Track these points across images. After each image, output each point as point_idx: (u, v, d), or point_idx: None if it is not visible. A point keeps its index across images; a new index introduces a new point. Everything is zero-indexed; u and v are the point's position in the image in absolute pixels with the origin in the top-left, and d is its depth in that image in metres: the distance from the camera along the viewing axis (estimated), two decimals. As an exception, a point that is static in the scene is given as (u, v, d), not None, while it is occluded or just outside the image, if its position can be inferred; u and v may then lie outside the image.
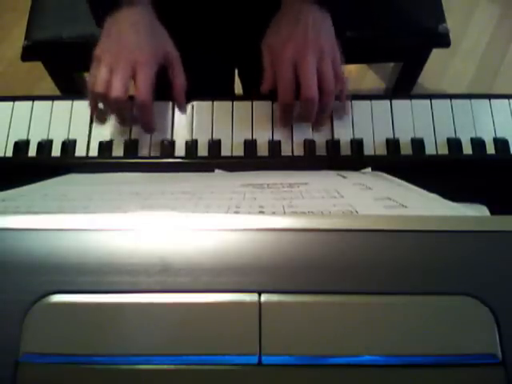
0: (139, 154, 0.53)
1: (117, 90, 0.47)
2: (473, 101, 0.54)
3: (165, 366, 0.20)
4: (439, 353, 0.20)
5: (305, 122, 0.53)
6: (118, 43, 0.49)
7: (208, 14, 0.62)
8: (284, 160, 0.52)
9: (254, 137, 0.53)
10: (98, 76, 0.48)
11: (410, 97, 0.55)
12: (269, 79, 0.52)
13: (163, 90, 0.52)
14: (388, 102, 0.54)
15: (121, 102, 0.48)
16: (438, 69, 1.29)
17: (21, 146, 0.53)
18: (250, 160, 0.52)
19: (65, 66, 0.86)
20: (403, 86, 0.98)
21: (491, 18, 1.40)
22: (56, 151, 0.53)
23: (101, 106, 0.52)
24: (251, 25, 0.54)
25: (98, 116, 0.53)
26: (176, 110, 0.55)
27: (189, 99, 0.55)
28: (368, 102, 0.54)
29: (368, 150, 0.52)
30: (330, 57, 0.50)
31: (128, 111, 0.51)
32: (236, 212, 0.28)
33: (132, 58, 0.48)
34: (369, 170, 0.47)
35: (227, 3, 0.60)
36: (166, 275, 0.21)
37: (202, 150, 0.53)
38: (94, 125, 0.54)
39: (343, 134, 0.53)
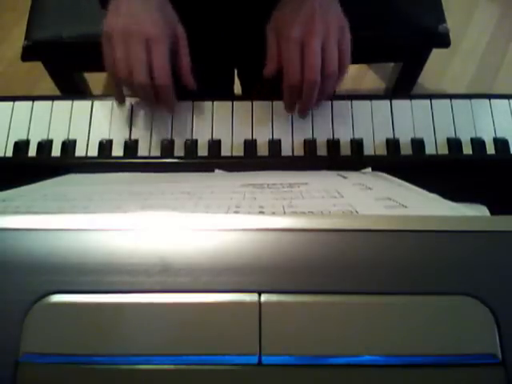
0: (139, 154, 0.53)
1: (140, 75, 0.48)
2: (473, 101, 0.54)
3: (165, 366, 0.20)
4: (439, 353, 0.20)
5: (305, 106, 0.52)
6: (129, 19, 0.49)
7: (208, 13, 0.62)
8: (284, 160, 0.52)
9: (254, 137, 0.53)
10: (115, 58, 0.48)
11: (410, 97, 0.55)
12: (273, 60, 0.51)
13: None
14: (388, 102, 0.54)
15: (145, 85, 0.48)
16: (437, 69, 1.29)
17: (21, 146, 0.53)
18: (249, 160, 0.52)
19: (65, 66, 0.86)
20: (403, 86, 0.98)
21: (491, 18, 1.40)
22: (56, 151, 0.53)
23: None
24: (250, 25, 0.54)
25: (118, 96, 0.54)
26: (176, 109, 0.55)
27: (189, 99, 0.55)
28: (368, 101, 0.54)
29: (368, 150, 0.52)
30: (336, 37, 0.49)
31: (152, 92, 0.50)
32: (236, 212, 0.28)
33: (145, 34, 0.48)
34: (369, 170, 0.47)
35: (227, 2, 0.60)
36: (166, 275, 0.21)
37: (202, 150, 0.53)
38: (94, 125, 0.54)
39: (343, 134, 0.53)
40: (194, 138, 0.53)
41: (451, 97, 0.55)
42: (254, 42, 0.53)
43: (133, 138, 0.54)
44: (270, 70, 0.51)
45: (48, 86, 0.91)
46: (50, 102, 0.55)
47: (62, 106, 0.55)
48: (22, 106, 0.55)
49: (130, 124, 0.54)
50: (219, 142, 0.53)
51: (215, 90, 0.64)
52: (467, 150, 0.52)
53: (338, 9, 0.50)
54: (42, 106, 0.55)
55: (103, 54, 0.50)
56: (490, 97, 0.55)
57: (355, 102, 0.54)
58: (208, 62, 0.64)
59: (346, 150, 0.53)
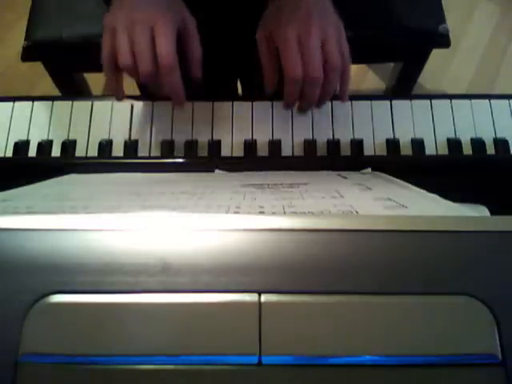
0: (139, 154, 0.53)
1: (146, 64, 0.45)
2: (473, 101, 0.54)
3: (165, 366, 0.20)
4: (439, 353, 0.20)
5: (307, 104, 0.51)
6: (133, 9, 0.47)
7: (209, 22, 0.61)
8: (284, 160, 0.52)
9: (253, 137, 0.53)
10: (118, 46, 0.46)
11: (410, 97, 0.55)
12: (270, 70, 0.50)
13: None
14: (388, 102, 0.54)
15: (151, 73, 0.46)
16: (437, 69, 1.29)
17: (21, 146, 0.53)
18: (250, 160, 0.52)
19: (65, 66, 0.86)
20: (403, 86, 0.98)
21: (491, 18, 1.40)
22: (56, 151, 0.53)
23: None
24: (252, 36, 0.53)
25: (114, 87, 0.51)
26: (175, 109, 0.54)
27: (188, 99, 0.55)
28: (368, 102, 0.54)
29: (368, 150, 0.52)
30: (334, 37, 0.48)
31: (157, 80, 0.48)
32: (236, 212, 0.28)
33: (149, 21, 0.46)
34: (369, 170, 0.47)
35: (228, 11, 0.60)
36: (166, 275, 0.21)
37: (202, 150, 0.53)
38: (94, 125, 0.54)
39: (343, 134, 0.53)
40: (194, 138, 0.53)
41: (451, 97, 0.55)
42: (256, 54, 0.52)
43: (133, 138, 0.54)
44: (270, 83, 0.51)
45: (48, 86, 0.91)
46: (50, 102, 0.55)
47: (62, 106, 0.55)
48: (22, 106, 0.55)
49: (130, 124, 0.54)
50: (219, 142, 0.53)
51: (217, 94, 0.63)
52: (467, 150, 0.52)
53: (332, 10, 0.50)
54: (41, 105, 0.55)
55: (102, 44, 0.48)
56: (489, 97, 0.54)
57: (355, 102, 0.54)
58: (210, 75, 0.63)
59: (346, 150, 0.53)
